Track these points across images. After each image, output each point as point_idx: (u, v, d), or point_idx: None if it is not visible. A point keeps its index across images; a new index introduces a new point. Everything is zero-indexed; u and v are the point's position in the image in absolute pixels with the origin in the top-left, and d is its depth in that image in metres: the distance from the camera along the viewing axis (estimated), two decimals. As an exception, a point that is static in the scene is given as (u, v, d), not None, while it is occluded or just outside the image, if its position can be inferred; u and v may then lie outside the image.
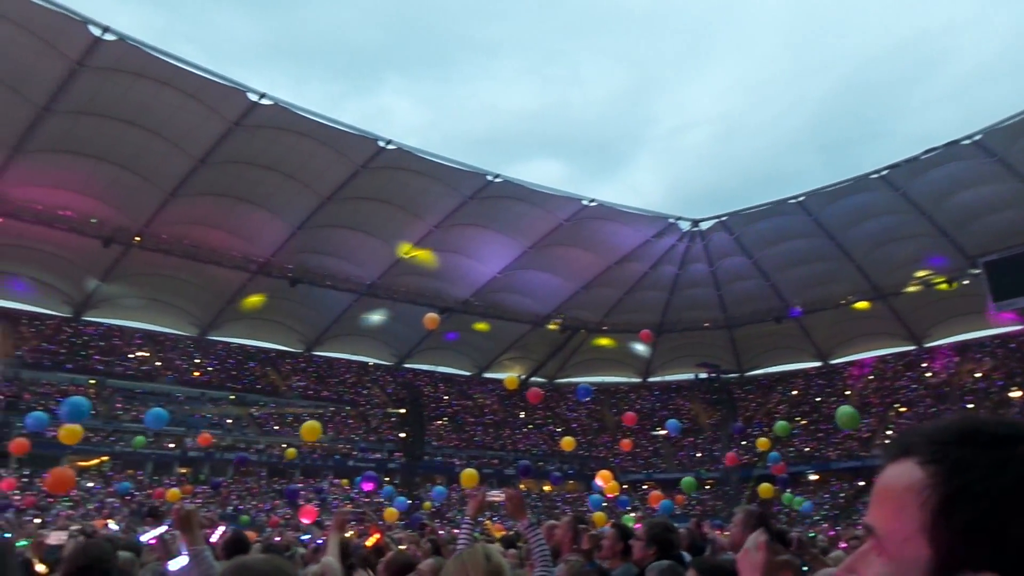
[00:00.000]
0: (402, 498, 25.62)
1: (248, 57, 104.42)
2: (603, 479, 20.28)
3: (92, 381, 40.73)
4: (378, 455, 46.36)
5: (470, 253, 45.79)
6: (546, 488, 48.48)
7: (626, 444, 29.07)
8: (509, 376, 23.69)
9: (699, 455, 51.78)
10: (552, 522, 6.20)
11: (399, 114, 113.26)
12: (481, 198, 41.39)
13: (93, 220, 36.48)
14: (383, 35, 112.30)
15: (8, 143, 32.41)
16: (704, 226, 48.03)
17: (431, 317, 20.04)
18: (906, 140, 69.01)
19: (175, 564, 3.77)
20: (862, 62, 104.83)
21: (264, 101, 33.44)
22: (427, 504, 34.05)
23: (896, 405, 48.23)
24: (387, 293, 46.35)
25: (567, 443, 24.47)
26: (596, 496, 21.67)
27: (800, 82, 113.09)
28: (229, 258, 41.06)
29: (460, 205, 41.83)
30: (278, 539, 11.46)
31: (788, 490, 38.85)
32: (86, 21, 28.88)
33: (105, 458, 37.44)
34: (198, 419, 41.75)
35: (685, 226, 48.24)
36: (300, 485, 39.04)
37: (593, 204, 43.67)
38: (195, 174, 36.11)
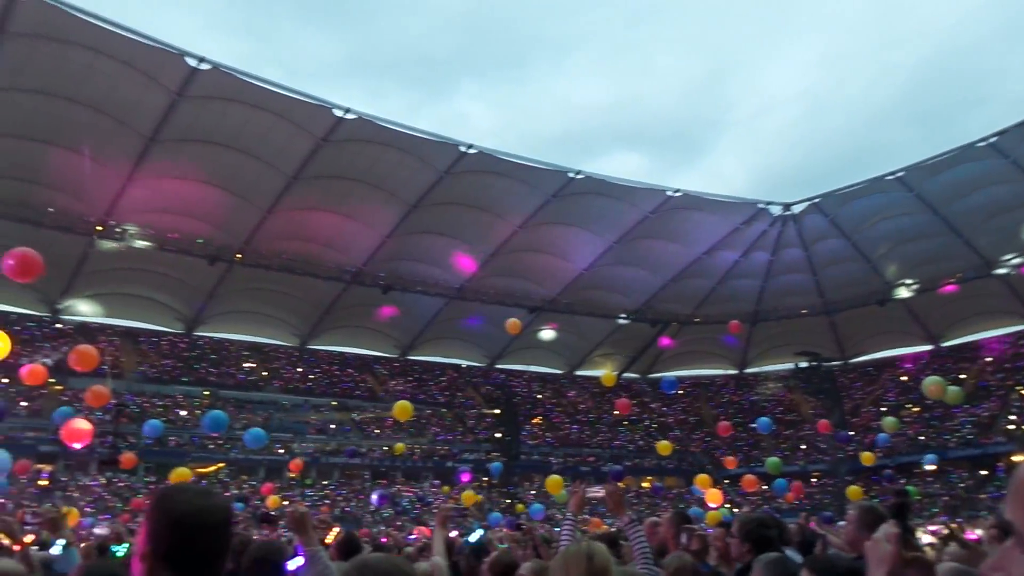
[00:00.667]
0: (497, 514, 25.28)
1: (328, 74, 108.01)
2: (702, 484, 19.00)
3: (206, 392, 43.11)
4: (475, 456, 47.00)
5: (555, 251, 45.80)
6: (644, 485, 47.91)
7: (724, 428, 24.82)
8: (606, 373, 23.15)
9: (803, 447, 49.90)
10: (654, 519, 6.11)
11: (475, 118, 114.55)
12: (563, 196, 41.31)
13: (199, 240, 38.60)
14: (456, 41, 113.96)
15: (123, 173, 34.77)
16: (796, 209, 46.28)
17: (513, 323, 19.94)
18: (1012, 103, 64.35)
19: (292, 564, 3.95)
20: (954, 23, 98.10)
21: (348, 116, 34.51)
22: (520, 506, 34.18)
23: (1020, 387, 44.96)
24: (476, 295, 46.94)
25: (663, 447, 23.58)
26: (697, 489, 21.03)
27: (888, 51, 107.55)
28: (324, 269, 42.57)
29: (543, 204, 41.90)
30: (384, 540, 11.77)
31: (903, 481, 36.98)
32: (183, 53, 30.63)
33: (221, 465, 39.50)
34: (303, 425, 43.62)
35: (776, 211, 46.62)
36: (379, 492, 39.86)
37: (678, 194, 42.84)
38: (288, 190, 37.67)
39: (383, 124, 35.95)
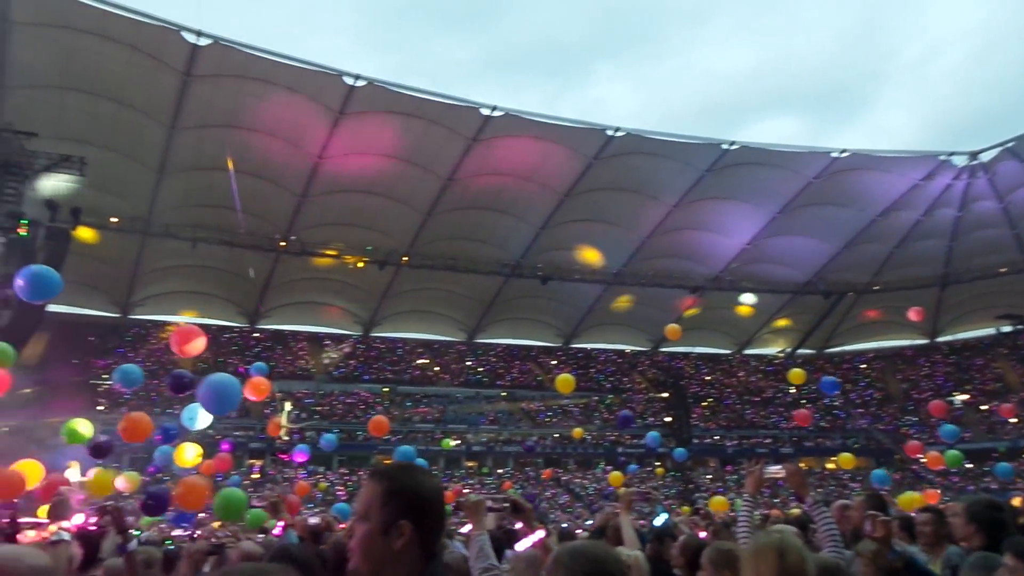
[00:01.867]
0: (664, 513, 24.44)
1: (466, 77, 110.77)
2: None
3: (385, 389, 45.98)
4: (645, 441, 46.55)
5: (714, 228, 44.25)
6: (829, 465, 45.23)
7: (937, 407, 19.75)
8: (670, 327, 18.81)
9: (1014, 421, 44.77)
10: (844, 502, 5.79)
11: (613, 102, 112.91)
12: (718, 169, 39.80)
13: (368, 247, 41.15)
14: (586, 26, 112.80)
15: (296, 192, 37.82)
16: (985, 157, 41.51)
17: (673, 328, 18.82)
18: None
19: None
20: None
21: (496, 113, 35.31)
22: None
23: None
24: (634, 279, 46.44)
25: (796, 376, 18.53)
26: (880, 472, 19.62)
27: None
28: (484, 265, 43.88)
29: (697, 180, 40.62)
30: (565, 525, 11.97)
31: None
32: (341, 73, 32.71)
33: (404, 456, 41.92)
34: (476, 417, 45.36)
35: (960, 161, 42.12)
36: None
37: (845, 155, 39.88)
38: (445, 192, 39.22)
39: (529, 117, 36.48)
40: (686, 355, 54.87)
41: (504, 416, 46.79)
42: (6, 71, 29.17)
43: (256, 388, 11.52)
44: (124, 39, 29.22)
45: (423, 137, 36.03)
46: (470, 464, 43.72)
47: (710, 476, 44.70)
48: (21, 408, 22.57)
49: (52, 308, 27.46)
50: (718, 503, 15.28)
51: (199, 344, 8.90)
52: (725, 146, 38.82)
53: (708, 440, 47.94)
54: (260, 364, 14.84)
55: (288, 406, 38.24)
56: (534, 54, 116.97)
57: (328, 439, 19.65)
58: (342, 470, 39.87)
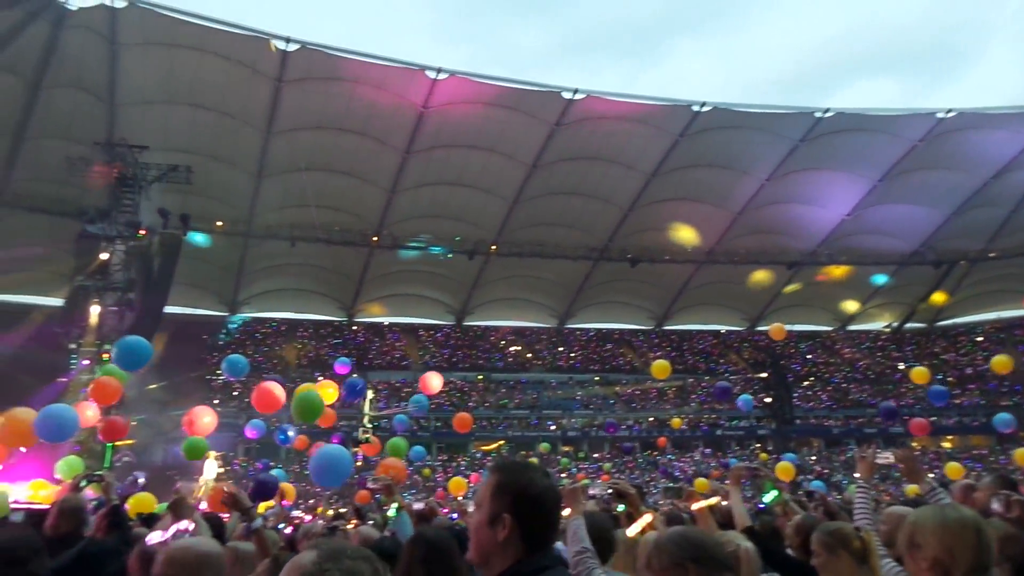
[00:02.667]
0: (775, 491, 23.51)
1: (543, 63, 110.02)
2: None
3: (479, 376, 46.68)
4: (745, 423, 45.43)
5: (810, 200, 42.47)
6: (945, 444, 42.90)
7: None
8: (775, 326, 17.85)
9: None
10: (968, 482, 5.36)
11: (694, 78, 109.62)
12: (812, 139, 38.15)
13: (457, 238, 41.77)
14: (663, 2, 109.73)
15: (386, 188, 38.79)
16: (1113, 107, 38.03)
17: (777, 328, 17.76)
18: None
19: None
20: None
21: (577, 96, 35.07)
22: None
23: None
24: (727, 257, 45.25)
25: (1000, 363, 16.47)
26: (1004, 416, 17.64)
27: None
28: (572, 250, 43.74)
29: (790, 151, 39.08)
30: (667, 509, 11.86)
31: None
32: (423, 68, 33.25)
33: (502, 442, 42.53)
34: (571, 402, 45.46)
35: (1084, 113, 38.74)
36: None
37: (951, 115, 37.39)
38: (530, 179, 39.31)
39: (611, 98, 36.03)
40: (786, 333, 53.00)
41: (598, 400, 46.67)
42: (117, 90, 31.22)
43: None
44: (220, 51, 30.69)
45: (506, 125, 36.19)
46: (566, 449, 43.86)
47: (814, 457, 43.19)
48: (149, 403, 24.20)
49: (169, 309, 29.23)
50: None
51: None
52: (818, 114, 37.16)
53: (812, 420, 46.32)
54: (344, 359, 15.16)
55: (370, 394, 39.20)
56: (609, 35, 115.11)
57: (401, 419, 19.44)
58: (441, 457, 40.84)
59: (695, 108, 36.36)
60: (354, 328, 47.93)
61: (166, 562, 2.30)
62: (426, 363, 46.84)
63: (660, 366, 16.04)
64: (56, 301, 29.41)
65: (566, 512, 3.03)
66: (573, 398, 46.28)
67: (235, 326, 43.50)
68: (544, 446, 34.97)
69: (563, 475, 35.94)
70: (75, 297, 25.15)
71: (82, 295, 25.08)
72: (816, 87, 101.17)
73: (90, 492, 6.64)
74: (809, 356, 51.88)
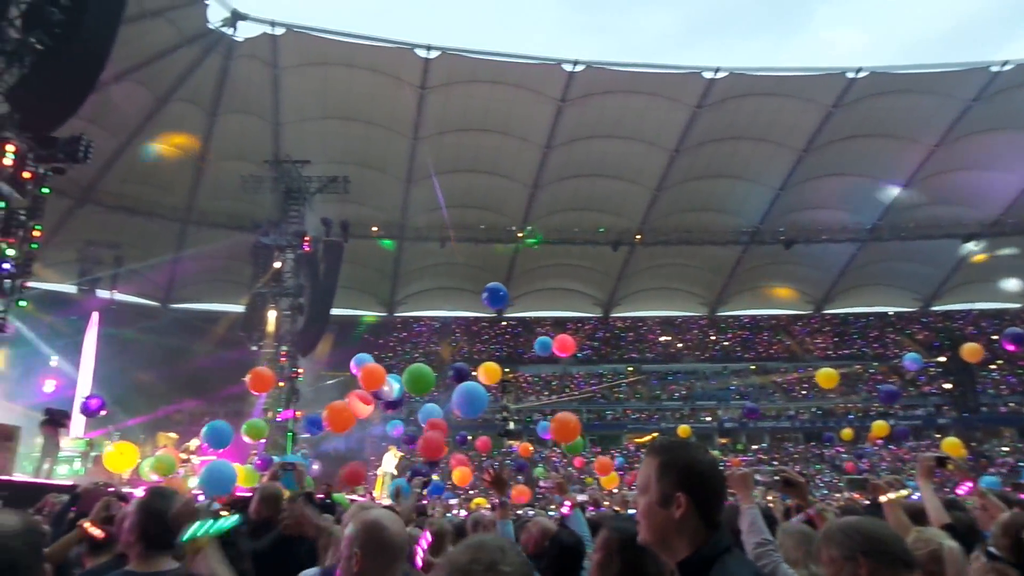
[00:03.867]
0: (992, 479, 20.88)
1: (674, 46, 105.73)
2: None
3: (630, 368, 46.26)
4: (921, 411, 41.98)
5: (988, 165, 38.40)
6: None
7: None
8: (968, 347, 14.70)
9: None
10: None
11: (841, 45, 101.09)
12: (988, 97, 34.50)
13: (600, 229, 41.60)
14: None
15: (528, 184, 39.34)
16: None
17: (971, 348, 15.19)
18: None
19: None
20: None
21: (718, 75, 33.85)
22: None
23: None
24: (894, 233, 41.92)
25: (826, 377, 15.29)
26: None
27: None
28: (721, 235, 42.28)
29: (962, 113, 35.58)
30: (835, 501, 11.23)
31: None
32: (560, 62, 33.39)
33: (655, 435, 41.90)
34: (725, 392, 44.02)
35: None
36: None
37: None
38: (673, 165, 38.43)
39: (755, 74, 34.49)
40: (965, 313, 48.39)
41: (755, 390, 44.84)
42: (280, 111, 33.85)
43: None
44: (367, 65, 32.45)
45: (645, 112, 35.61)
46: (723, 441, 42.52)
47: (1006, 448, 39.17)
48: (327, 397, 26.05)
49: (334, 312, 31.28)
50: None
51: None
52: (995, 68, 33.55)
53: (1003, 407, 42.00)
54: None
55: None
56: (738, 11, 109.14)
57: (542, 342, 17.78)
58: (595, 449, 40.89)
59: (850, 75, 34.02)
60: (503, 324, 49.00)
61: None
62: (575, 356, 47.08)
63: (826, 375, 14.93)
64: (239, 308, 32.32)
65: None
66: (728, 388, 44.79)
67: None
68: (684, 428, 32.68)
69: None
70: (254, 303, 27.56)
71: (260, 301, 27.45)
72: (986, 41, 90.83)
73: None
74: (995, 337, 46.97)
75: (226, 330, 31.64)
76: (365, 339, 44.07)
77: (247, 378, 11.17)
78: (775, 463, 37.06)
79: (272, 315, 27.61)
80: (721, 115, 35.77)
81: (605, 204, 40.61)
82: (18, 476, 12.32)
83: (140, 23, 24.43)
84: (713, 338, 48.92)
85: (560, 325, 49.58)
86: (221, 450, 10.31)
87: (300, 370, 28.26)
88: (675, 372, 46.39)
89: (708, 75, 33.99)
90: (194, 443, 19.99)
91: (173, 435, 21.01)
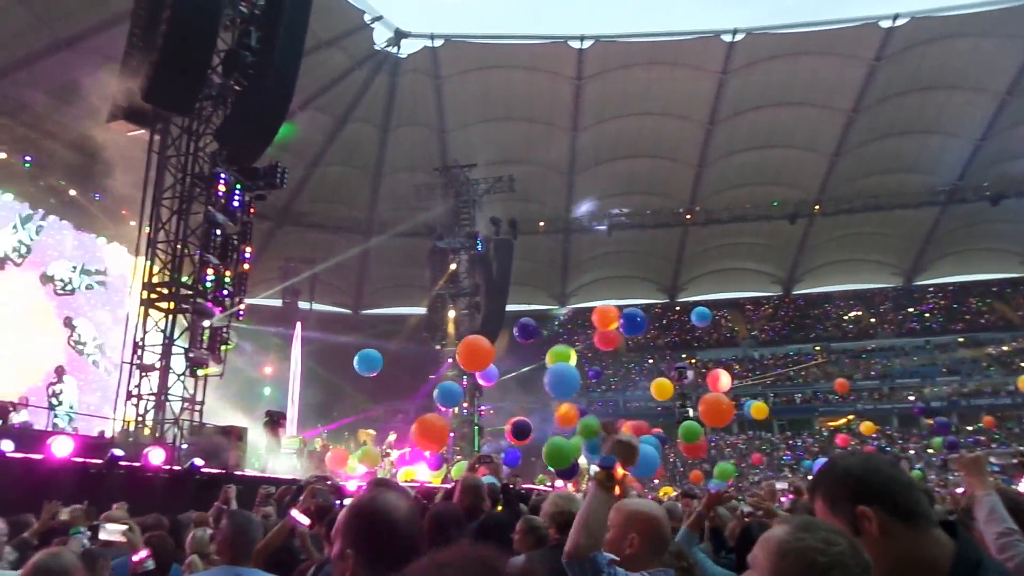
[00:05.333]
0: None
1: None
2: None
3: (817, 348, 43.55)
4: None
5: None
6: None
7: None
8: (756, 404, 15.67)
9: None
10: None
11: None
12: None
13: (774, 203, 39.51)
14: None
15: (692, 163, 38.20)
16: None
17: None
18: None
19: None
20: None
21: (899, 23, 30.96)
22: None
23: None
24: None
25: None
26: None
27: None
28: (913, 197, 38.66)
29: None
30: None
31: None
32: (718, 33, 32.09)
33: (851, 417, 39.20)
34: (930, 368, 40.23)
35: None
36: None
37: None
38: (852, 126, 35.69)
39: (943, 14, 31.08)
40: None
41: (967, 365, 40.58)
42: (444, 119, 35.41)
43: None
44: (523, 63, 33.07)
45: (815, 73, 33.39)
46: (929, 422, 38.81)
47: None
48: (508, 390, 26.94)
49: (510, 308, 32.18)
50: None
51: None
52: None
53: None
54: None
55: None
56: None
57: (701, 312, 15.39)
58: (787, 433, 39.05)
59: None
60: (677, 309, 47.96)
61: None
62: (755, 338, 45.14)
63: None
64: (421, 310, 34.22)
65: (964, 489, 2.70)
66: (933, 364, 40.85)
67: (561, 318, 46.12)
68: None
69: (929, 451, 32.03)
70: (435, 305, 29.05)
71: (440, 303, 28.89)
72: None
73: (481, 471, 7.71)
74: None
75: (412, 332, 33.61)
76: (545, 332, 44.95)
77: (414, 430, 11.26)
78: (994, 446, 33.41)
79: (451, 315, 28.97)
80: (903, 66, 32.71)
81: (778, 176, 38.49)
82: (248, 471, 13.88)
83: (316, 54, 26.51)
84: (911, 310, 44.84)
85: (737, 307, 47.78)
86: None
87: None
88: (869, 349, 43.07)
89: (886, 24, 31.17)
90: (392, 437, 21.50)
91: (372, 432, 22.65)
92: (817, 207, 39.78)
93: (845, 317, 45.49)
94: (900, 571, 1.48)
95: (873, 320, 44.85)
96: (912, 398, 39.25)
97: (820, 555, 1.30)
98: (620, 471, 2.39)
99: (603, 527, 2.35)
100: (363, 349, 10.66)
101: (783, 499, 9.80)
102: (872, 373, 41.22)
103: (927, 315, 44.22)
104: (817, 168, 38.26)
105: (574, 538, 2.28)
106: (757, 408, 15.45)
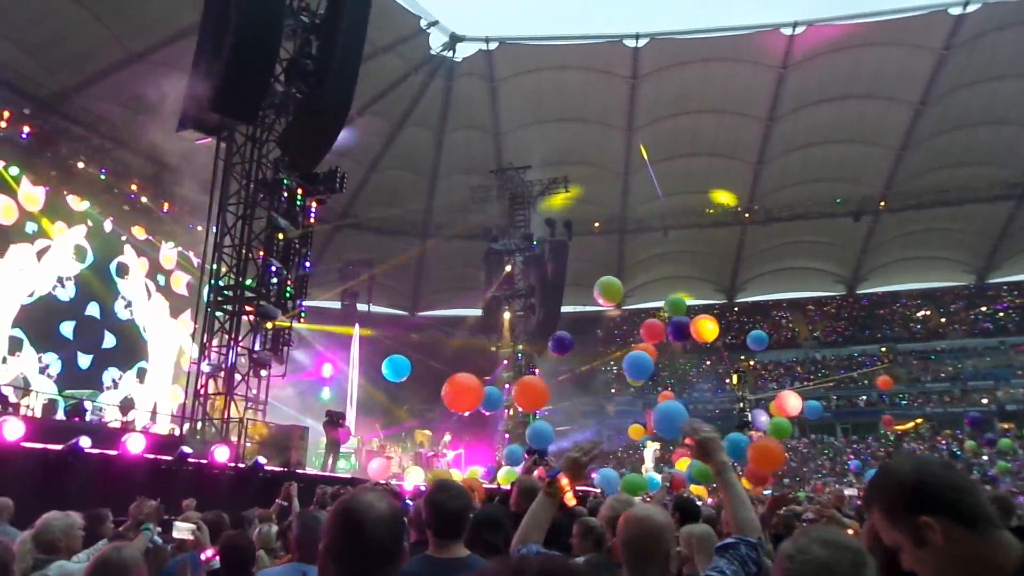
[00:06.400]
0: None
1: None
2: None
3: (883, 349, 42.13)
4: None
5: None
6: None
7: None
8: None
9: None
10: None
11: None
12: None
13: (837, 200, 38.41)
14: None
15: (751, 160, 37.43)
16: None
17: None
18: None
19: None
20: None
21: (969, 8, 29.76)
22: None
23: None
24: None
25: None
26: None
27: None
28: (986, 191, 37.08)
29: None
30: None
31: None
32: (778, 26, 31.38)
33: (920, 421, 37.81)
34: (1005, 370, 38.47)
35: None
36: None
37: None
38: (920, 119, 34.45)
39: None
40: None
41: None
42: (499, 121, 35.57)
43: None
44: (577, 64, 32.98)
45: (880, 65, 32.35)
46: (1005, 426, 37.12)
47: None
48: (564, 391, 26.98)
49: (565, 309, 32.14)
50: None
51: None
52: None
53: None
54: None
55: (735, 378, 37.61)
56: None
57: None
58: (852, 436, 37.92)
59: None
60: (736, 309, 47.09)
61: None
62: (817, 339, 43.95)
63: None
64: (477, 311, 34.44)
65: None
66: (1008, 365, 39.05)
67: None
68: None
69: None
70: (491, 306, 29.20)
71: (495, 304, 29.03)
72: None
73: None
74: None
75: (468, 333, 33.85)
76: (596, 335, 44.77)
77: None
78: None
79: (507, 316, 29.08)
80: (976, 54, 31.41)
81: (841, 172, 37.40)
82: (310, 470, 14.23)
83: (374, 60, 26.97)
84: (984, 309, 42.96)
85: (798, 307, 46.62)
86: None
87: (536, 369, 29.44)
88: (938, 350, 41.44)
89: (955, 11, 29.99)
90: (447, 438, 21.71)
91: (428, 432, 22.92)
92: (883, 203, 38.53)
93: (913, 317, 43.88)
94: None
95: (943, 320, 43.15)
96: (986, 400, 37.61)
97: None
98: (564, 481, 2.62)
99: (540, 526, 2.59)
100: (392, 356, 10.66)
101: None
102: (942, 375, 39.64)
103: (1001, 314, 42.29)
104: (882, 163, 37.07)
105: (515, 535, 2.58)
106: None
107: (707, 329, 10.89)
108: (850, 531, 3.97)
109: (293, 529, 3.42)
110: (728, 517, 2.43)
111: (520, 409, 25.31)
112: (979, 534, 1.42)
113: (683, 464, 12.77)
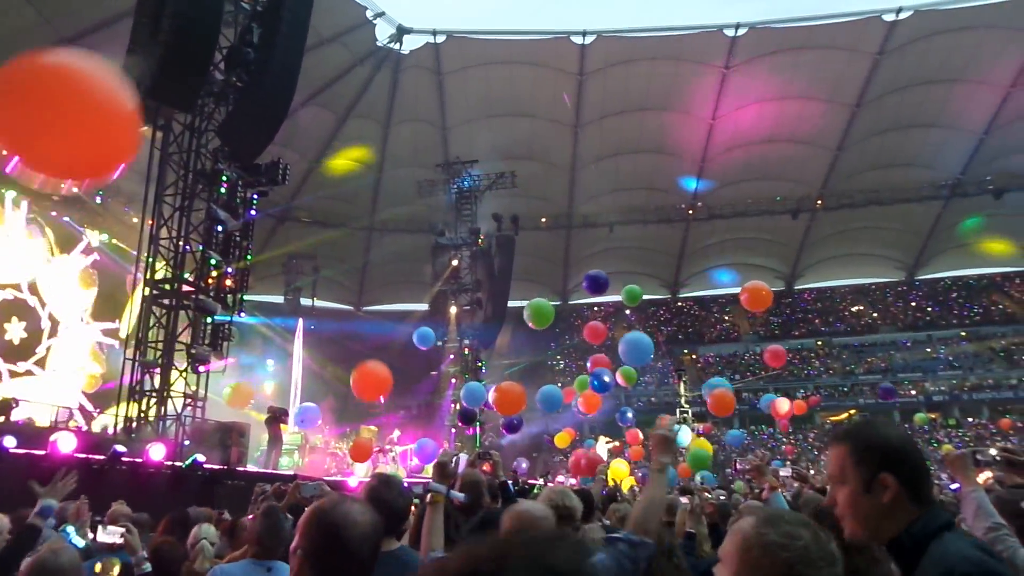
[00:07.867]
0: None
1: None
2: None
3: (819, 343, 43.53)
4: None
5: None
6: None
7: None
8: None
9: None
10: None
11: None
12: None
13: (777, 198, 39.47)
14: None
15: (695, 159, 38.13)
16: None
17: None
18: None
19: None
20: None
21: (902, 16, 30.88)
22: None
23: None
24: None
25: None
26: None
27: None
28: (915, 191, 38.64)
29: None
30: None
31: None
32: (721, 27, 32.02)
33: (852, 412, 39.17)
34: (931, 362, 40.19)
35: None
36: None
37: None
38: (855, 121, 35.62)
39: (948, 7, 30.97)
40: None
41: (969, 359, 40.55)
42: (446, 115, 35.36)
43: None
44: (525, 59, 33.01)
45: (818, 68, 33.28)
46: (932, 416, 38.79)
47: None
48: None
49: (512, 303, 32.23)
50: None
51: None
52: None
53: None
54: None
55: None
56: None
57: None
58: (790, 429, 38.92)
59: None
60: (679, 304, 48.00)
61: None
62: (756, 333, 45.10)
63: None
64: (423, 306, 34.26)
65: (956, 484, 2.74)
66: (934, 357, 40.82)
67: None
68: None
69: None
70: (437, 300, 29.11)
71: (441, 298, 28.95)
72: None
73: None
74: None
75: (414, 328, 33.60)
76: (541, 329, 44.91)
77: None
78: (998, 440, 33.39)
79: (453, 311, 29.02)
80: (907, 60, 32.60)
81: (781, 171, 38.42)
82: (250, 467, 13.94)
83: (318, 50, 26.48)
84: (914, 305, 44.82)
85: (737, 302, 47.66)
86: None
87: (480, 363, 29.47)
88: (871, 344, 43.04)
89: (889, 17, 31.09)
90: (396, 434, 21.55)
91: (374, 428, 22.72)
92: (819, 202, 39.76)
93: (847, 312, 45.44)
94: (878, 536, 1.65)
95: (875, 315, 44.82)
96: (914, 392, 39.22)
97: (783, 550, 1.35)
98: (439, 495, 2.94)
99: (436, 535, 2.85)
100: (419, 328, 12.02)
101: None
102: (874, 368, 41.17)
103: (929, 309, 44.16)
104: (820, 163, 38.21)
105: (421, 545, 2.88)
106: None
107: (761, 296, 11.36)
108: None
109: (255, 525, 3.36)
110: (635, 513, 2.51)
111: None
112: (918, 510, 1.62)
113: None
